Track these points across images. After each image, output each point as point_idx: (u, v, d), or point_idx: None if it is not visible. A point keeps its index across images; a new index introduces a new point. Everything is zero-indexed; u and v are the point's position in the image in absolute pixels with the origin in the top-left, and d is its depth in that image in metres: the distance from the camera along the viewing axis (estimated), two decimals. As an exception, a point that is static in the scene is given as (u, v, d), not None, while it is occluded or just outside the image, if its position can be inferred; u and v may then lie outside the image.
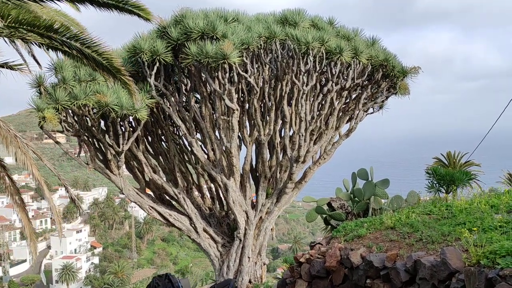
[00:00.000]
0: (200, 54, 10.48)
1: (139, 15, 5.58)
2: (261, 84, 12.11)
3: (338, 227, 7.35)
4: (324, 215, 9.07)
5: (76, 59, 5.44)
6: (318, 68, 11.11)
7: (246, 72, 11.16)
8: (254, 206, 13.54)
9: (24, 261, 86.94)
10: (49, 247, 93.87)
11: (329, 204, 8.99)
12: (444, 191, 8.03)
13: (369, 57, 12.07)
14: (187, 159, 14.43)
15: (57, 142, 12.38)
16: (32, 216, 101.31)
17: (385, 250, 5.84)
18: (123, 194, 13.06)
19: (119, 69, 5.42)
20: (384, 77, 13.17)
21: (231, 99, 11.41)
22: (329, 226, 9.31)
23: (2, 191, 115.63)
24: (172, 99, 12.35)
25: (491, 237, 5.24)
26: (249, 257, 13.34)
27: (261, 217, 13.35)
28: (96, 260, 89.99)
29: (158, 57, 11.31)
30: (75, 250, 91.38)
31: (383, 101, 14.80)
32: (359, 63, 12.04)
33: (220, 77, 10.89)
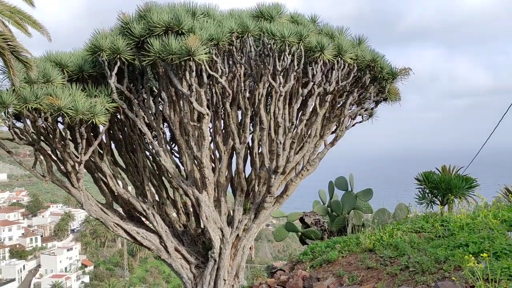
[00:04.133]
0: (163, 51, 9.31)
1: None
2: (236, 86, 10.94)
3: (306, 248, 6.02)
4: (298, 233, 7.71)
5: None
6: (296, 67, 9.94)
7: (217, 72, 9.98)
8: (230, 222, 12.24)
9: (13, 280, 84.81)
10: (39, 265, 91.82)
11: (301, 220, 7.61)
12: (438, 203, 6.63)
13: (355, 57, 10.93)
14: (163, 171, 13.19)
15: (8, 152, 11.11)
16: (22, 233, 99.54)
17: (360, 281, 4.37)
18: (83, 209, 11.77)
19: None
20: (372, 80, 12.02)
21: (201, 102, 10.22)
22: (307, 246, 7.96)
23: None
24: (138, 103, 11.14)
25: (509, 267, 3.70)
26: (225, 280, 11.99)
27: (238, 234, 12.04)
28: (86, 279, 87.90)
29: (119, 56, 10.14)
30: (66, 268, 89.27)
31: (372, 108, 13.66)
32: (344, 64, 10.89)
33: (187, 77, 9.70)
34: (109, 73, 10.34)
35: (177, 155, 12.65)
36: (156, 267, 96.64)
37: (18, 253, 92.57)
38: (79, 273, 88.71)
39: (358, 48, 11.11)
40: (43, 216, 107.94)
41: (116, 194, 12.44)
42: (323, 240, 6.33)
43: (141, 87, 11.40)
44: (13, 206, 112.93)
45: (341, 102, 12.61)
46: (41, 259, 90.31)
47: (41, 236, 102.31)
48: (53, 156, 11.66)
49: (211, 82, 11.22)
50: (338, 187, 7.75)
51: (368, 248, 5.18)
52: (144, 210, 12.26)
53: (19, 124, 10.95)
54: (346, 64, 11.03)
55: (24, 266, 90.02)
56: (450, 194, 6.14)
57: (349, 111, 12.04)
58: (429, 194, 6.51)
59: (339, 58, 10.67)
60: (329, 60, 10.49)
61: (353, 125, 13.09)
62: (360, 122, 13.86)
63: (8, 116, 10.21)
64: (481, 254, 3.48)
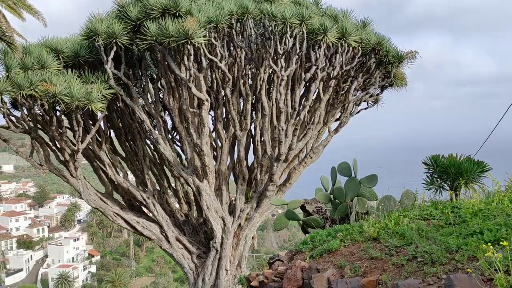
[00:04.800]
0: (160, 34, 8.97)
1: None
2: (237, 71, 10.60)
3: (305, 237, 5.67)
4: (299, 221, 7.37)
5: None
6: (298, 50, 9.57)
7: (216, 56, 9.63)
8: (232, 211, 11.96)
9: (21, 270, 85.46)
10: (46, 256, 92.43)
11: (303, 208, 7.27)
12: (448, 188, 6.22)
13: (359, 40, 10.53)
14: (164, 160, 12.90)
15: (4, 141, 10.86)
16: (29, 224, 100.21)
17: (363, 272, 4.03)
18: (81, 198, 11.53)
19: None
20: (377, 65, 11.63)
21: (200, 88, 9.88)
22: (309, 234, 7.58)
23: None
24: (136, 90, 10.83)
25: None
26: (226, 270, 11.76)
27: (240, 224, 11.77)
28: (93, 268, 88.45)
29: (115, 40, 9.81)
30: (73, 258, 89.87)
31: (377, 94, 13.29)
32: (348, 47, 10.50)
33: (185, 62, 9.35)
34: (105, 58, 10.03)
35: (179, 144, 12.38)
36: (162, 257, 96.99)
37: (25, 243, 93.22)
38: (86, 263, 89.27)
39: (362, 31, 10.72)
40: (49, 207, 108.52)
41: (116, 183, 12.20)
42: (325, 228, 5.99)
43: (139, 73, 11.09)
44: (19, 197, 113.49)
45: (345, 88, 12.25)
46: (48, 250, 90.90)
47: (48, 226, 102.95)
48: (51, 145, 11.42)
49: (211, 68, 10.89)
50: (341, 173, 7.31)
51: (372, 237, 4.77)
52: (144, 200, 12.00)
53: (18, 113, 10.70)
54: (351, 48, 10.64)
55: (31, 256, 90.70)
56: (460, 179, 5.76)
57: (354, 97, 11.67)
58: (438, 179, 6.11)
59: (343, 41, 10.28)
60: (332, 44, 10.11)
61: (357, 112, 12.73)
62: (365, 108, 13.47)
63: (3, 103, 9.94)
64: (501, 243, 3.09)
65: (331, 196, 7.19)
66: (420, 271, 3.57)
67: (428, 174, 6.25)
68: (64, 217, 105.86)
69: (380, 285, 3.54)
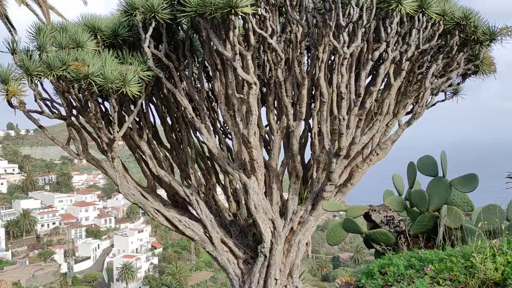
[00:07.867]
0: (201, 4, 7.69)
1: None
2: (291, 51, 9.13)
3: (370, 264, 3.93)
4: (362, 234, 5.63)
5: None
6: (365, 22, 7.91)
7: (266, 30, 8.21)
8: (284, 213, 10.50)
9: (88, 258, 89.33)
10: (112, 245, 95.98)
11: (367, 217, 5.48)
12: None
13: (442, 13, 8.68)
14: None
15: (40, 127, 10.10)
16: (98, 215, 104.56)
17: None
18: (119, 192, 10.57)
19: None
20: (460, 46, 9.69)
21: (247, 70, 8.51)
22: (375, 250, 5.89)
23: (71, 190, 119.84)
24: (177, 73, 9.67)
25: None
26: (276, 279, 10.33)
27: (292, 228, 10.29)
28: (155, 260, 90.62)
29: (154, 15, 8.67)
30: (136, 249, 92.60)
31: (458, 83, 11.30)
32: (427, 22, 8.69)
33: (230, 37, 8.01)
34: (143, 35, 8.92)
35: (230, 137, 11.13)
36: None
37: (93, 232, 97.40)
38: (148, 254, 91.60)
39: (445, 3, 8.84)
40: (117, 199, 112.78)
41: (158, 176, 11.15)
42: (399, 248, 4.30)
43: (183, 54, 9.91)
44: (90, 188, 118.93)
45: (419, 76, 10.40)
46: (114, 240, 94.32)
47: (115, 217, 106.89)
48: (91, 133, 10.57)
49: (262, 47, 9.51)
50: (423, 172, 5.30)
51: (493, 280, 2.79)
52: (187, 196, 10.85)
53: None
54: (430, 24, 8.81)
55: (98, 245, 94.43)
56: None
57: (431, 84, 9.78)
58: None
59: (421, 15, 8.48)
60: (408, 16, 8.35)
61: (433, 104, 10.88)
62: (443, 100, 11.58)
63: (35, 85, 9.12)
64: None
65: (407, 202, 5.38)
66: None
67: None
68: (130, 209, 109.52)
69: None
